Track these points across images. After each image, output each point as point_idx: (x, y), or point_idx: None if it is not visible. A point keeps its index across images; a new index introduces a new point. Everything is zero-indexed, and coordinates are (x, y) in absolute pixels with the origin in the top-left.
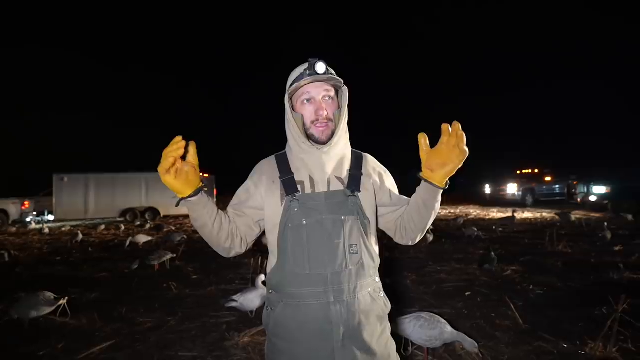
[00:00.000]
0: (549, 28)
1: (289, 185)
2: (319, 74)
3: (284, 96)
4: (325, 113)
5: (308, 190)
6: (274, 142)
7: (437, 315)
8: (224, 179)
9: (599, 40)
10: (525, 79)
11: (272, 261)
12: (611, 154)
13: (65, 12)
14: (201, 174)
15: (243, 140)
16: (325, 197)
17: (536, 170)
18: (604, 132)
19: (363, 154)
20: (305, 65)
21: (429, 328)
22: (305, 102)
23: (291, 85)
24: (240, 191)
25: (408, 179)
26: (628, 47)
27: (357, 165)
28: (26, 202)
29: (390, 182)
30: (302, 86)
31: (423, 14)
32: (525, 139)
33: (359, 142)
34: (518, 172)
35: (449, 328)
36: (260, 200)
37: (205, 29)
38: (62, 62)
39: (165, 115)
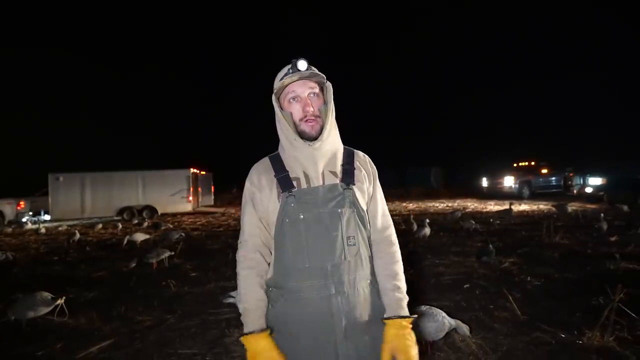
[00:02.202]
0: (547, 24)
1: (285, 182)
2: (301, 71)
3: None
4: (312, 109)
5: (304, 185)
6: (269, 140)
7: (435, 307)
8: (221, 176)
9: (595, 36)
10: (521, 73)
11: (272, 258)
12: (606, 146)
13: (65, 14)
14: (200, 172)
15: (240, 138)
16: (321, 191)
17: (533, 163)
18: (599, 125)
19: (354, 150)
20: (289, 66)
21: (434, 321)
22: (291, 100)
23: (277, 85)
24: (249, 215)
25: (407, 179)
26: (624, 43)
27: (349, 160)
28: (21, 202)
29: (377, 189)
30: (286, 85)
31: (420, 12)
32: (522, 133)
33: (356, 141)
34: (515, 164)
35: (447, 318)
36: (267, 202)
37: (202, 27)
38: (59, 63)
39: (163, 114)
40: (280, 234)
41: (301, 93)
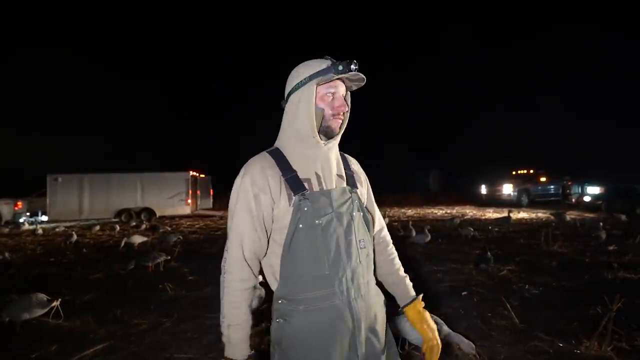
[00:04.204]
0: (546, 33)
1: (295, 183)
2: (356, 71)
3: (298, 88)
4: (345, 109)
5: (316, 187)
6: (269, 143)
7: (433, 315)
8: (219, 180)
9: (593, 46)
10: (521, 82)
11: (279, 267)
12: (605, 155)
13: (65, 15)
14: (199, 175)
15: (239, 142)
16: (334, 194)
17: (531, 171)
18: (597, 134)
19: (344, 154)
20: (327, 62)
21: None
22: (329, 95)
23: (321, 75)
24: (247, 218)
25: (406, 180)
26: (621, 53)
27: (347, 165)
28: (19, 203)
29: (370, 191)
30: (334, 79)
31: (422, 17)
32: (521, 141)
33: (355, 143)
34: (513, 172)
35: (445, 327)
36: (270, 204)
37: (200, 30)
38: (59, 65)
39: (163, 116)
40: (295, 242)
41: (341, 91)
